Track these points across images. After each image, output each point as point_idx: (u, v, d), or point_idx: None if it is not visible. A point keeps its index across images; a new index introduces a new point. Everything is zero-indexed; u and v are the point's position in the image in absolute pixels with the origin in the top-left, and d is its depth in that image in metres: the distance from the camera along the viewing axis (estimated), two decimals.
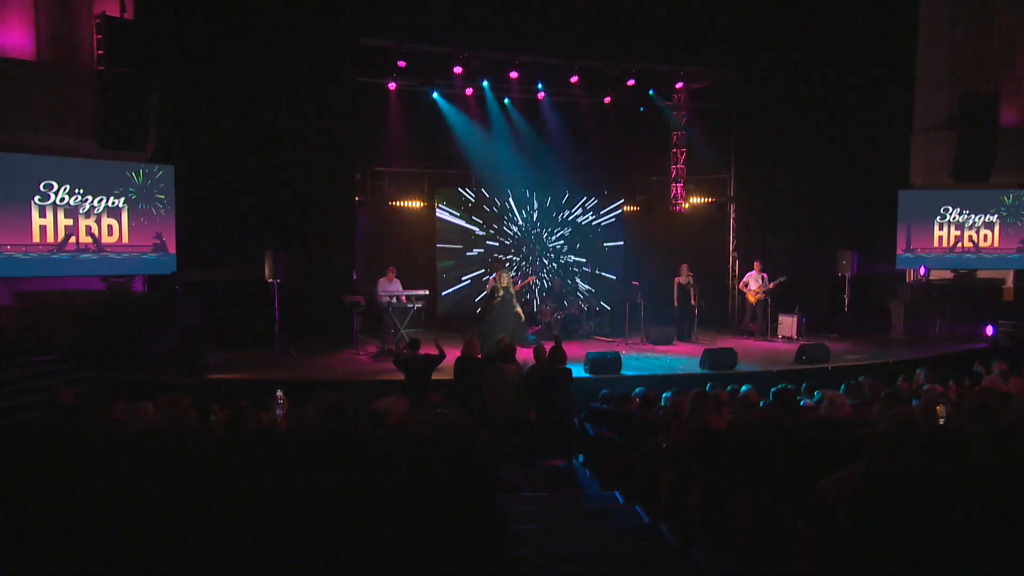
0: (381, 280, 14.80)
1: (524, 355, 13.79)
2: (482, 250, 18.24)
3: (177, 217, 13.25)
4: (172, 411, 6.43)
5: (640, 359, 13.94)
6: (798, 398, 9.95)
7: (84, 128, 12.12)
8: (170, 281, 12.67)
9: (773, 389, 7.30)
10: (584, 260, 19.02)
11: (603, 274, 19.08)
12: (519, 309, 14.08)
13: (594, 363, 12.24)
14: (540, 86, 17.94)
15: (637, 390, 10.34)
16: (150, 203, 12.99)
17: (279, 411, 7.76)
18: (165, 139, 13.23)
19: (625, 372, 12.46)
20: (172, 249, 13.19)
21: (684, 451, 6.21)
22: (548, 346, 10.08)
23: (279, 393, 7.88)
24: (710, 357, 12.66)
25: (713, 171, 18.86)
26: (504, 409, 9.28)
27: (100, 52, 11.84)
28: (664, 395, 8.51)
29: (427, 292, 14.77)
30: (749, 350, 14.87)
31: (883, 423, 4.34)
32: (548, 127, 18.51)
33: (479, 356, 10.40)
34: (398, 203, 17.89)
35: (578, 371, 12.28)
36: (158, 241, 13.10)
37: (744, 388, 10.44)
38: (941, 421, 5.37)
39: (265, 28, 14.05)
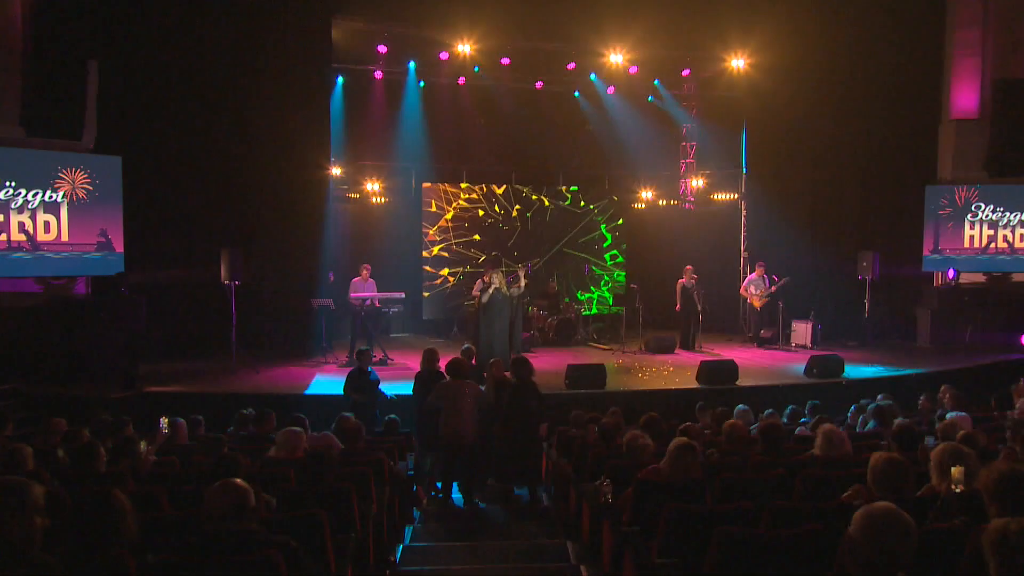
0: (355, 280, 13.54)
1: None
2: (472, 248, 16.83)
3: (125, 213, 12.04)
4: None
5: (628, 372, 12.50)
6: (801, 422, 8.54)
7: (11, 113, 10.93)
8: (116, 282, 11.40)
9: (754, 425, 5.90)
10: (585, 259, 17.53)
11: (603, 274, 17.59)
12: (514, 313, 12.45)
13: (574, 375, 10.81)
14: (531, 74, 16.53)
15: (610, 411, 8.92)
16: (94, 198, 11.77)
17: (159, 440, 6.48)
18: (111, 128, 12.07)
19: (615, 387, 11.06)
20: (119, 247, 11.99)
21: (632, 512, 4.79)
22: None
23: (163, 421, 6.59)
24: (707, 370, 11.19)
25: (724, 166, 17.46)
26: (458, 432, 7.90)
27: (28, 30, 10.60)
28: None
29: (403, 295, 13.50)
30: (757, 360, 13.49)
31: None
32: (546, 118, 17.17)
33: (441, 369, 8.98)
34: (382, 199, 16.64)
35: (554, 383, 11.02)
36: (103, 239, 11.90)
37: (739, 408, 9.16)
38: (958, 489, 3.89)
39: (225, 7, 12.76)
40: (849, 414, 8.77)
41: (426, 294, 16.71)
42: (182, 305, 12.56)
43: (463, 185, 16.89)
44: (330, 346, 13.15)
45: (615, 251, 17.88)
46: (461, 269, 16.77)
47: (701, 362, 11.37)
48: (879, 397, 9.42)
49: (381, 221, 16.57)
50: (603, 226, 17.76)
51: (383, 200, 16.62)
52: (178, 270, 12.33)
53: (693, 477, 4.83)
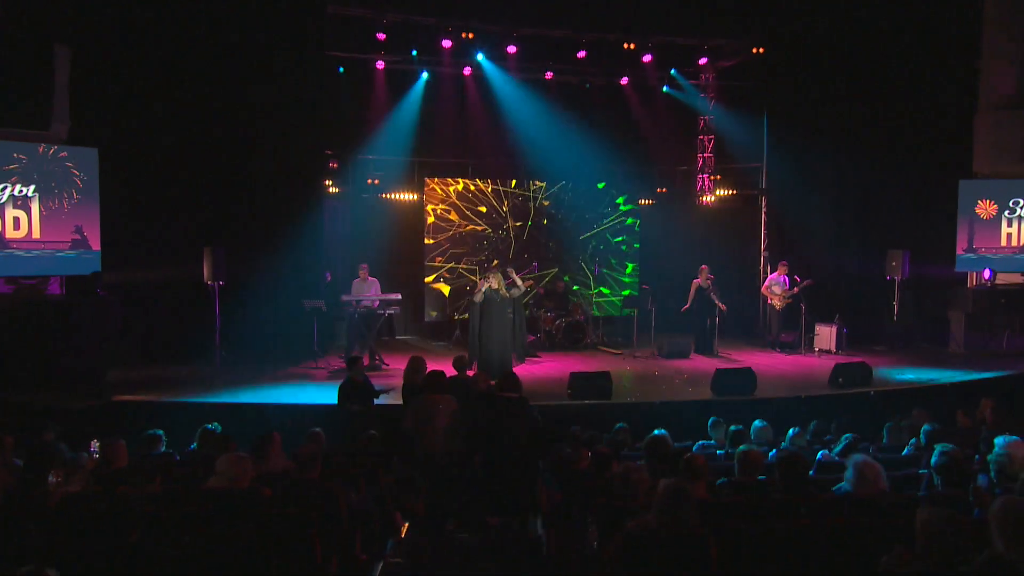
0: (355, 281, 12.82)
1: (527, 371, 11.83)
2: (477, 247, 15.96)
3: (102, 208, 11.29)
4: None
5: (637, 380, 11.56)
6: (822, 452, 7.56)
7: None
8: (91, 282, 10.62)
9: (773, 452, 4.99)
10: (595, 259, 16.62)
11: (613, 276, 16.63)
12: (514, 315, 11.44)
13: (577, 385, 9.89)
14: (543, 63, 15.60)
15: (618, 426, 8.02)
16: (68, 192, 11.02)
17: (89, 466, 5.64)
18: (86, 118, 11.30)
19: (622, 397, 10.13)
20: (96, 245, 11.25)
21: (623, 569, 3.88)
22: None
23: (94, 445, 5.76)
24: (722, 380, 10.24)
25: (743, 160, 16.45)
26: (430, 451, 7.03)
27: None
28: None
29: (399, 296, 12.61)
30: (777, 367, 12.52)
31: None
32: (555, 110, 16.19)
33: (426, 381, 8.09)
34: (384, 195, 15.79)
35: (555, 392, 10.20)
36: (78, 236, 11.17)
37: (756, 424, 8.21)
38: None
39: None
40: (886, 434, 7.76)
41: (436, 282, 15.77)
42: (162, 307, 11.82)
43: (469, 180, 15.98)
44: (322, 351, 12.33)
45: (627, 249, 16.87)
46: (465, 268, 15.83)
47: (716, 371, 10.42)
48: (914, 413, 8.44)
49: (382, 217, 15.69)
50: (615, 223, 16.77)
51: (384, 196, 15.76)
52: (159, 269, 11.57)
53: (689, 529, 3.90)
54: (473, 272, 15.72)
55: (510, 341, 11.15)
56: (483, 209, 15.98)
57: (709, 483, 5.32)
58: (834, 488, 5.02)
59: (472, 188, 15.95)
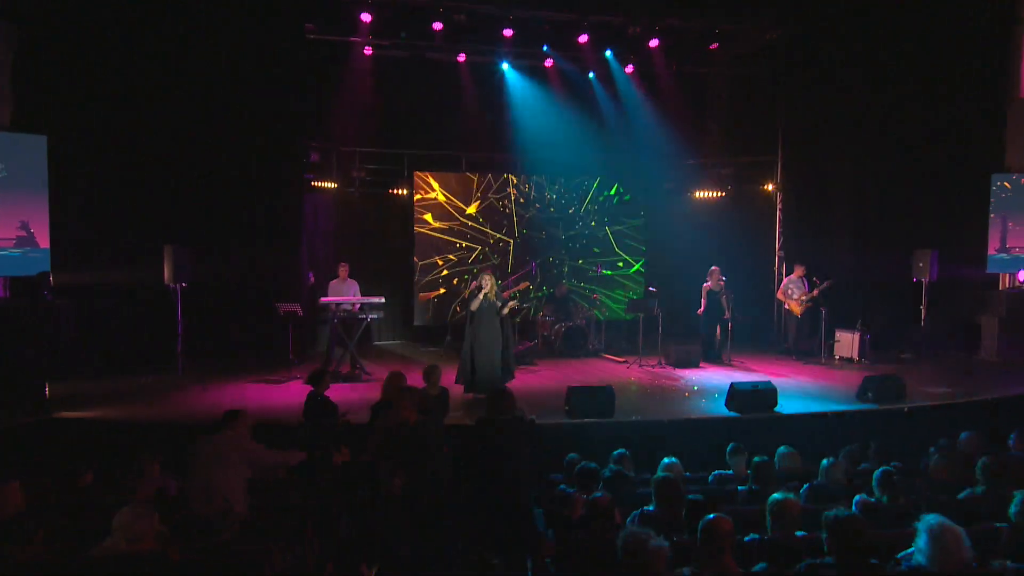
0: (333, 282, 11.81)
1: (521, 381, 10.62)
2: (471, 246, 14.89)
3: (52, 202, 10.24)
4: None
5: (643, 394, 10.42)
6: (861, 469, 6.40)
7: None
8: (38, 284, 9.51)
9: (827, 514, 3.85)
10: (598, 258, 15.59)
11: (618, 275, 15.50)
12: (503, 326, 10.15)
13: (576, 401, 8.75)
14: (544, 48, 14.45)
15: (616, 452, 6.88)
16: (13, 184, 9.90)
17: None
18: (33, 102, 10.28)
19: (626, 415, 8.97)
20: (43, 243, 10.16)
21: None
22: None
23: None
24: (740, 396, 9.09)
25: (756, 153, 15.25)
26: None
27: None
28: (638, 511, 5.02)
29: (383, 299, 11.54)
30: (797, 378, 11.38)
31: None
32: (555, 100, 15.11)
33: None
34: (370, 190, 14.69)
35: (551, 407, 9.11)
36: (24, 233, 10.10)
37: (782, 451, 7.07)
38: None
39: None
40: (931, 461, 6.58)
41: (427, 283, 14.64)
42: (118, 311, 10.78)
43: (462, 174, 14.89)
44: (298, 359, 11.25)
45: (632, 248, 15.76)
46: (457, 266, 14.73)
47: (732, 385, 9.26)
48: (963, 438, 7.28)
49: (368, 214, 14.64)
50: (619, 221, 15.65)
51: (372, 190, 14.66)
52: (114, 270, 10.53)
53: None
54: (467, 270, 14.60)
55: (501, 354, 9.93)
56: (477, 205, 14.86)
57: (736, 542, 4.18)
58: (901, 559, 3.87)
59: (465, 182, 14.82)
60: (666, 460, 6.54)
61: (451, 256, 14.73)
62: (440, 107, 14.59)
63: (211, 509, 5.29)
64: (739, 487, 6.20)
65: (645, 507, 5.11)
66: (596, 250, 15.55)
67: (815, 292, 12.42)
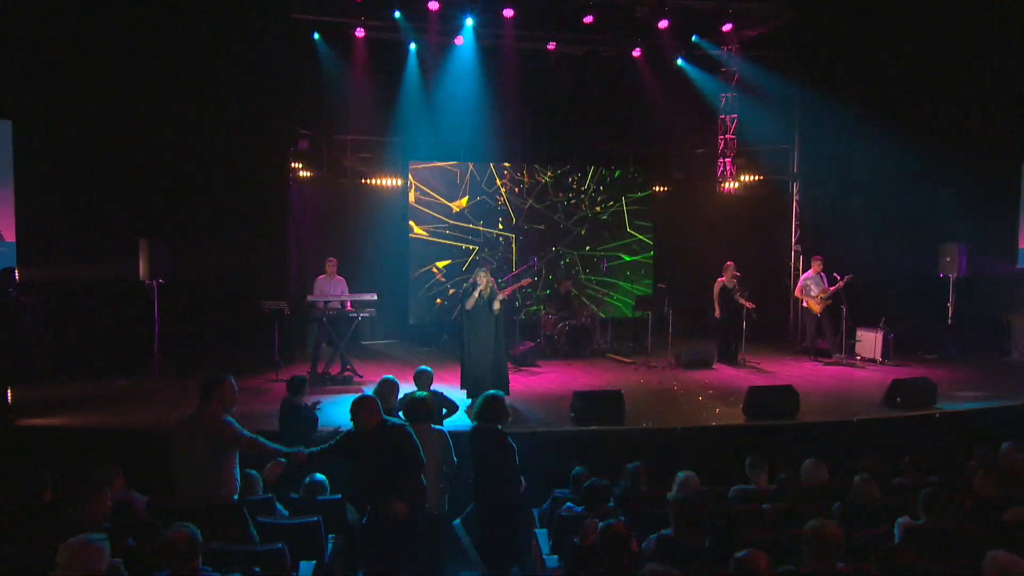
0: (319, 278, 11.43)
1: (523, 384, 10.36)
2: (469, 240, 14.54)
3: (17, 192, 9.91)
4: None
5: (654, 398, 10.04)
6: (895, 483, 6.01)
7: None
8: (3, 281, 9.17)
9: (836, 506, 3.43)
10: (604, 252, 15.22)
11: (625, 271, 15.13)
12: (496, 325, 9.62)
13: (582, 408, 8.37)
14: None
15: (631, 466, 6.49)
16: None
17: None
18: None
19: (635, 421, 8.58)
20: (8, 236, 9.85)
21: None
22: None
23: None
24: (758, 401, 8.72)
25: (772, 141, 14.85)
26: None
27: None
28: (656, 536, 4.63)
29: (375, 297, 11.16)
30: (817, 380, 11.04)
31: None
32: (558, 85, 14.74)
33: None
34: (362, 180, 14.27)
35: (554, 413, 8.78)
36: None
37: (808, 463, 6.67)
38: None
39: None
40: (974, 472, 6.20)
41: (422, 279, 14.25)
42: (90, 310, 10.41)
43: (460, 163, 14.50)
44: (284, 361, 10.87)
45: (639, 242, 15.38)
46: (455, 267, 14.36)
47: (750, 389, 8.88)
48: (1005, 448, 6.87)
49: (360, 205, 14.22)
50: (625, 213, 15.27)
51: (364, 180, 14.24)
52: (86, 265, 10.17)
53: None
54: (463, 265, 14.23)
55: (498, 355, 9.51)
56: (479, 197, 14.52)
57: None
58: None
59: (463, 172, 14.49)
60: (681, 474, 6.18)
61: (447, 251, 14.33)
62: (436, 92, 14.13)
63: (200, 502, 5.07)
64: (763, 504, 5.80)
65: (663, 531, 4.73)
66: (601, 229, 15.17)
67: (834, 288, 12.03)
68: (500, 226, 14.68)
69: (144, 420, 8.42)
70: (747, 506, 6.00)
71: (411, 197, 14.21)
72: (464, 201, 14.48)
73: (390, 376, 7.28)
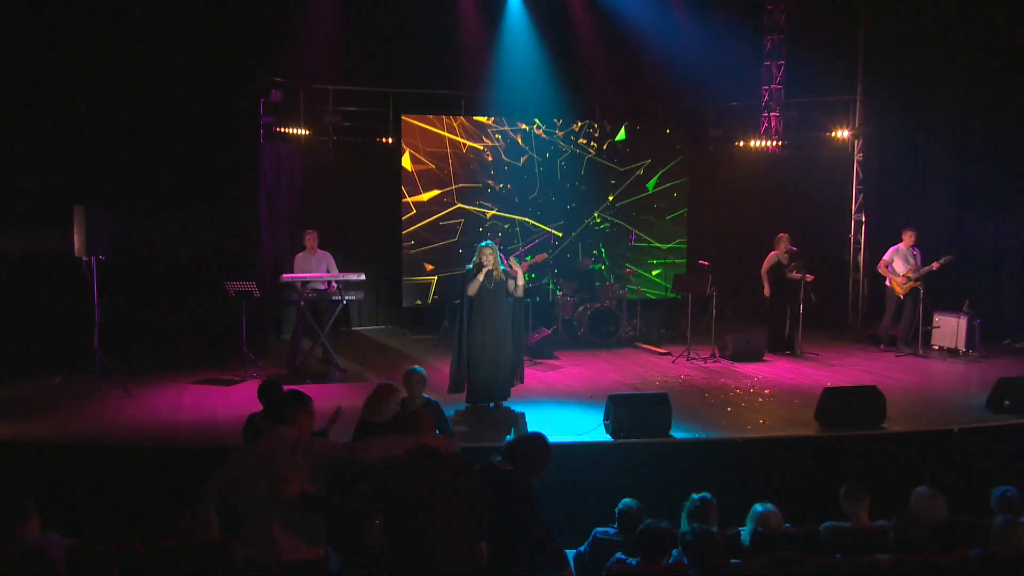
0: (299, 255, 10.71)
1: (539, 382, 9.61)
2: (475, 206, 13.69)
3: None
4: None
5: (699, 399, 9.09)
6: None
7: None
8: None
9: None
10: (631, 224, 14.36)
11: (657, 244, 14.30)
12: (512, 314, 8.67)
13: (622, 417, 7.40)
14: None
15: (696, 498, 5.46)
16: None
17: None
18: None
19: (680, 427, 7.69)
20: None
21: None
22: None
23: None
24: (834, 405, 7.80)
25: (828, 91, 14.05)
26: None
27: None
28: None
29: (363, 277, 10.42)
30: (895, 375, 10.19)
31: None
32: (574, 26, 14.11)
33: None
34: (347, 137, 13.53)
35: (585, 420, 7.92)
36: None
37: (920, 493, 5.66)
38: None
39: None
40: None
41: (418, 256, 13.34)
42: (13, 291, 9.60)
43: (461, 119, 13.62)
44: (254, 353, 10.05)
45: (674, 212, 14.54)
46: (456, 242, 13.51)
47: (825, 391, 7.93)
48: None
49: (344, 168, 13.39)
50: (657, 177, 14.39)
51: (349, 138, 13.55)
52: (7, 237, 9.46)
53: None
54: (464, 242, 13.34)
55: (507, 352, 8.53)
56: (488, 157, 13.65)
57: None
58: None
59: (466, 129, 13.59)
60: (759, 508, 5.30)
61: (447, 223, 13.42)
62: (434, 35, 13.38)
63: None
64: (876, 556, 4.79)
65: None
66: (628, 197, 14.27)
67: (935, 266, 11.17)
68: (508, 192, 13.74)
69: (76, 430, 7.54)
70: (848, 551, 5.03)
71: (405, 159, 13.29)
72: (467, 161, 13.55)
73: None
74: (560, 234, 13.81)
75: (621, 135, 14.17)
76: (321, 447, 4.30)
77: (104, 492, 6.47)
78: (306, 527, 4.18)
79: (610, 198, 14.14)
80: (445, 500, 4.00)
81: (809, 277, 11.31)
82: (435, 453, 4.09)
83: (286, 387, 5.93)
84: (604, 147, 14.12)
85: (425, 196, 13.24)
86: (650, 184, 14.28)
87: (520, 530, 4.49)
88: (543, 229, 13.70)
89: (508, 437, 7.03)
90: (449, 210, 13.37)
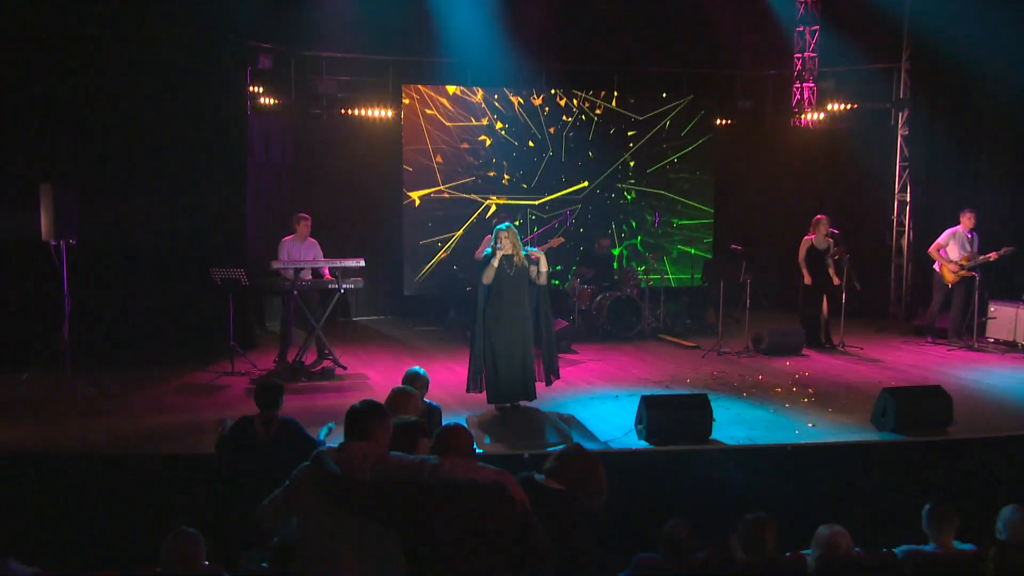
0: (286, 240, 10.13)
1: (567, 374, 9.06)
2: (482, 184, 13.40)
3: None
4: None
5: (745, 405, 8.57)
6: None
7: None
8: None
9: None
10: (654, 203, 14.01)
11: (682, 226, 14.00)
12: (538, 303, 8.12)
13: (656, 421, 6.88)
14: None
15: (752, 518, 4.88)
16: None
17: None
18: None
19: (722, 435, 7.19)
20: None
21: None
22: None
23: None
24: (891, 408, 7.25)
25: (868, 59, 13.70)
26: None
27: None
28: None
29: (362, 263, 9.97)
30: (947, 370, 9.83)
31: None
32: None
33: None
34: (343, 109, 13.21)
35: (612, 425, 7.47)
36: None
37: (1008, 515, 5.15)
38: None
39: None
40: None
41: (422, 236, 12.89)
42: None
43: (468, 89, 13.34)
44: (242, 346, 9.70)
45: (699, 191, 14.22)
46: (464, 225, 13.24)
47: (884, 391, 7.41)
48: None
49: (339, 143, 13.09)
50: (680, 153, 14.06)
51: (343, 111, 13.20)
52: None
53: None
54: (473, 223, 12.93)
55: (531, 346, 8.00)
56: (499, 126, 13.38)
57: None
58: None
59: (472, 99, 13.30)
60: (824, 530, 4.75)
61: (453, 202, 13.05)
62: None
63: None
64: None
65: None
66: (649, 173, 13.95)
67: (992, 256, 10.81)
68: (519, 169, 13.46)
69: (43, 436, 7.02)
70: None
71: (403, 131, 12.99)
72: (474, 136, 13.21)
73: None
74: (577, 209, 13.55)
75: (641, 108, 13.84)
76: (396, 465, 3.72)
77: (74, 510, 5.99)
78: (380, 558, 3.62)
79: (629, 178, 13.83)
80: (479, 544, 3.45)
81: (846, 255, 10.93)
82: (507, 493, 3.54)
83: (285, 386, 5.61)
84: (621, 121, 13.77)
85: (428, 165, 12.90)
86: (673, 158, 13.99)
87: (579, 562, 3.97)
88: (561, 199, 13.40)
89: (554, 446, 6.45)
90: (456, 186, 13.03)
